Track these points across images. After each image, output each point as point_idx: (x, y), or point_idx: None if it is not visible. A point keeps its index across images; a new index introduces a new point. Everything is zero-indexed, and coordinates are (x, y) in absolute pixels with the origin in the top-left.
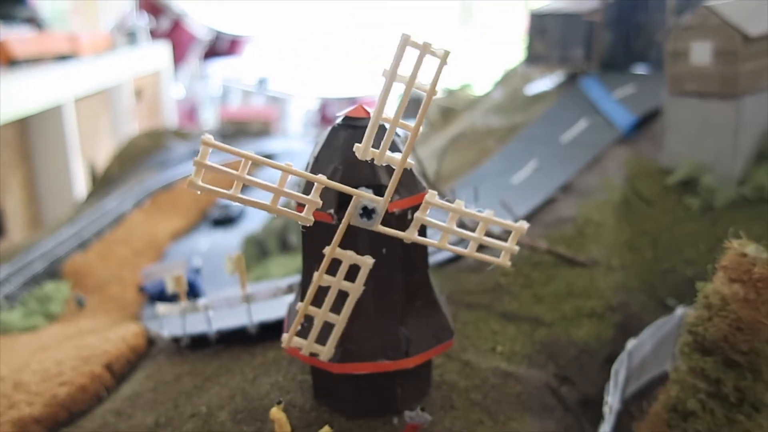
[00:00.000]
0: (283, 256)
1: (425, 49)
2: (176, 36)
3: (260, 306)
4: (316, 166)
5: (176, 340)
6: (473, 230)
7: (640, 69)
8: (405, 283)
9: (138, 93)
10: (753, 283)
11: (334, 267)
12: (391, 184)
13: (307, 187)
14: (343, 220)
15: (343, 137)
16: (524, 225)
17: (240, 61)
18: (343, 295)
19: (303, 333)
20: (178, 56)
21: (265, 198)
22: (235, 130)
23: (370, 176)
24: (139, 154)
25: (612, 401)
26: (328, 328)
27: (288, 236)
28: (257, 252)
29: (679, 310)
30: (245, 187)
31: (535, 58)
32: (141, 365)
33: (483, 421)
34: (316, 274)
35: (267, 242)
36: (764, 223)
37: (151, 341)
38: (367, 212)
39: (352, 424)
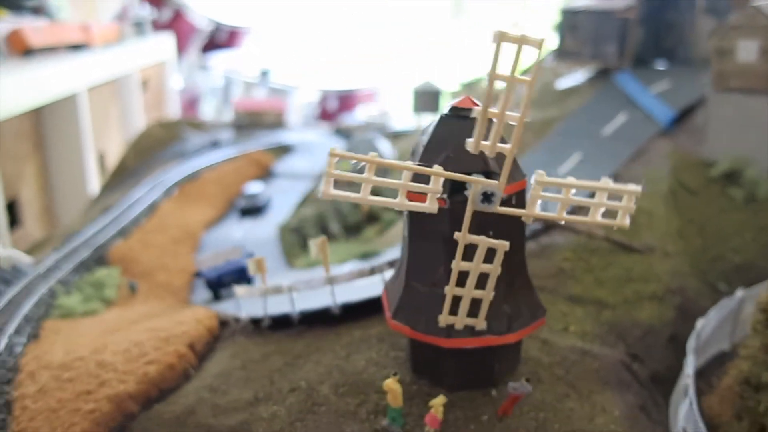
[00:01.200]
0: (332, 243)
1: (519, 40)
2: (177, 27)
3: (340, 288)
4: (426, 154)
5: (255, 322)
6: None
7: (661, 65)
8: (507, 263)
9: (144, 84)
10: None
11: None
12: (505, 168)
13: (417, 179)
14: (468, 207)
15: (452, 127)
16: (638, 188)
17: (241, 53)
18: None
19: (411, 313)
20: (179, 47)
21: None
22: (250, 122)
23: (481, 163)
24: (154, 145)
25: (692, 375)
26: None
27: (329, 225)
28: (297, 240)
29: (740, 293)
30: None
31: (565, 53)
32: (219, 345)
33: (569, 394)
34: (454, 262)
35: (305, 230)
36: None
37: (223, 323)
38: (487, 197)
39: (453, 396)
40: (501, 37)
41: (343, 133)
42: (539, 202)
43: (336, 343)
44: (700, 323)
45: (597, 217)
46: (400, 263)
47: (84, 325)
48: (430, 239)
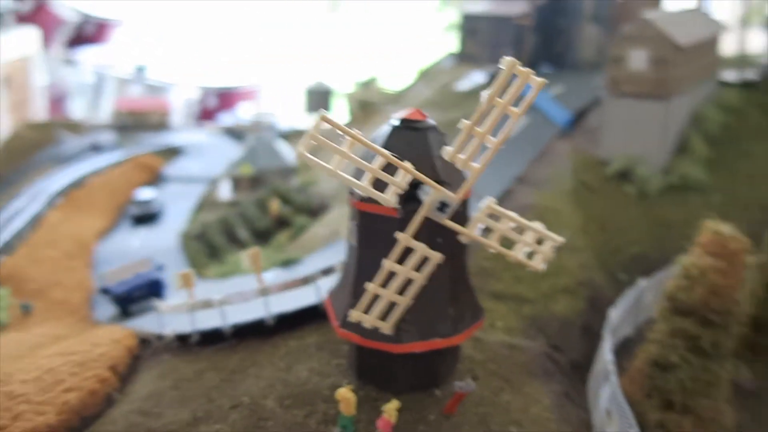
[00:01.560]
0: (241, 250)
1: (524, 75)
2: (40, 19)
3: (273, 298)
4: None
5: (182, 338)
6: None
7: (548, 68)
8: (452, 268)
9: (6, 81)
10: (728, 256)
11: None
12: (467, 184)
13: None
14: (421, 211)
15: (403, 138)
16: (562, 239)
17: (113, 48)
18: (406, 280)
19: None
20: (44, 41)
21: None
22: (133, 122)
23: (433, 174)
24: (26, 149)
25: (613, 361)
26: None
27: (236, 231)
28: (203, 248)
29: (642, 283)
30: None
31: (465, 56)
32: (142, 366)
33: (503, 387)
34: (385, 261)
35: (209, 237)
36: (689, 206)
37: (143, 341)
38: (443, 206)
39: (400, 398)
40: (511, 67)
41: (235, 133)
42: (480, 225)
43: (274, 355)
44: (612, 313)
45: (519, 254)
46: (346, 271)
47: None
48: (379, 247)
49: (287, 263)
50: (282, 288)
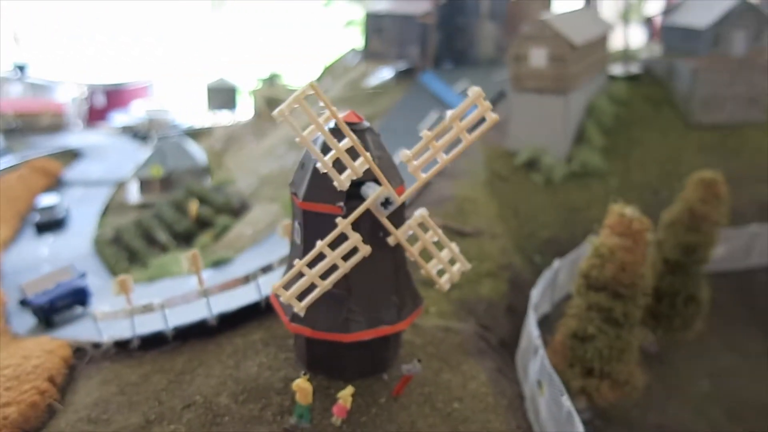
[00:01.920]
0: (163, 253)
1: (483, 108)
2: None
3: (215, 299)
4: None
5: (121, 344)
6: None
7: (450, 65)
8: (394, 259)
9: None
10: (632, 235)
11: (335, 242)
12: (413, 189)
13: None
14: (365, 203)
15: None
16: (469, 265)
17: None
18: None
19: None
20: None
21: None
22: (24, 124)
23: (372, 174)
24: None
25: (539, 336)
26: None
27: (155, 233)
28: (121, 253)
29: (556, 263)
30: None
31: (372, 54)
32: (80, 374)
33: (442, 368)
34: (319, 241)
35: (126, 241)
36: (590, 191)
37: (77, 350)
38: (386, 203)
39: (352, 385)
40: (476, 97)
41: (135, 133)
42: (410, 231)
43: (220, 354)
44: (534, 293)
45: (433, 270)
46: (290, 268)
47: None
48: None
49: (218, 263)
50: (223, 288)
